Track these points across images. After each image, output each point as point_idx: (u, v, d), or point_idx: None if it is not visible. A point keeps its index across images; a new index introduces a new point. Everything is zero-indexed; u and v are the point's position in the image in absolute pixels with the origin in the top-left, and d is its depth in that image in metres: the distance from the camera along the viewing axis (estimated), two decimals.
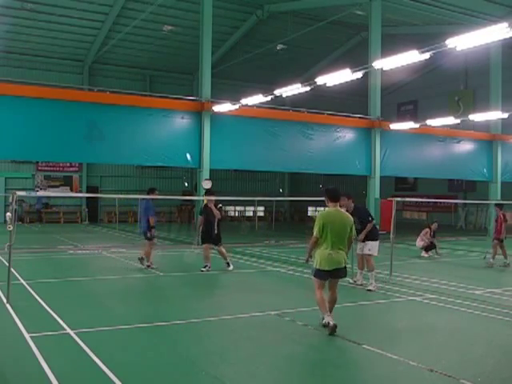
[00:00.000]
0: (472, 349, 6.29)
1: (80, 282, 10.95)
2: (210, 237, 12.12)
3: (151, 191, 12.53)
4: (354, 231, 7.09)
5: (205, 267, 12.13)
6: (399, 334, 6.97)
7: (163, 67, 33.81)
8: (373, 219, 10.53)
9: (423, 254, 16.35)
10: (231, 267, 12.38)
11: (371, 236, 10.34)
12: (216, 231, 12.14)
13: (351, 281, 10.64)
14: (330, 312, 6.87)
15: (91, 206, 32.63)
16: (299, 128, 21.36)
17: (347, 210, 8.76)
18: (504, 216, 14.21)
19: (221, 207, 12.45)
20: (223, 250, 12.38)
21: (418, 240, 16.70)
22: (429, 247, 16.46)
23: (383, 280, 11.04)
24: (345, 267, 6.92)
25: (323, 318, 6.90)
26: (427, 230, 16.63)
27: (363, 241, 10.29)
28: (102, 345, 6.14)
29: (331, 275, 6.92)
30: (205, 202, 12.53)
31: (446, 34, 13.44)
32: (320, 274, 6.90)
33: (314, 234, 6.89)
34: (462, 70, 32.74)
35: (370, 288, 10.03)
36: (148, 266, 12.35)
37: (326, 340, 6.62)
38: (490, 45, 17.39)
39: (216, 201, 12.36)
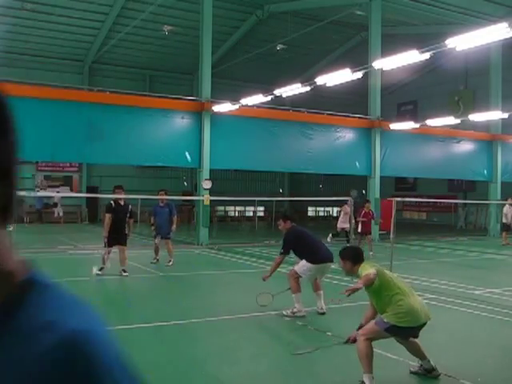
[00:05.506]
0: (472, 349, 6.29)
1: (79, 282, 10.94)
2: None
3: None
4: None
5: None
6: None
7: (163, 67, 33.79)
8: (283, 253, 8.31)
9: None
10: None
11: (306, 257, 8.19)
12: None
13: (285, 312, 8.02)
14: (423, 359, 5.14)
15: (91, 206, 32.62)
16: (299, 128, 21.34)
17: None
18: None
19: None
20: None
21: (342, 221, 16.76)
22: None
23: None
24: None
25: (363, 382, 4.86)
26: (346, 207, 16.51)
27: None
28: None
29: (415, 334, 4.96)
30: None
31: (446, 34, 13.44)
32: (399, 331, 4.82)
33: (369, 277, 4.79)
34: (462, 69, 32.71)
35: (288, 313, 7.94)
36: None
37: (325, 340, 6.61)
38: (490, 45, 17.39)
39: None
